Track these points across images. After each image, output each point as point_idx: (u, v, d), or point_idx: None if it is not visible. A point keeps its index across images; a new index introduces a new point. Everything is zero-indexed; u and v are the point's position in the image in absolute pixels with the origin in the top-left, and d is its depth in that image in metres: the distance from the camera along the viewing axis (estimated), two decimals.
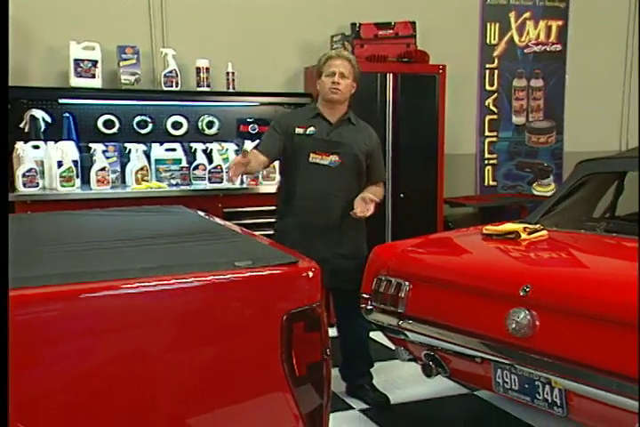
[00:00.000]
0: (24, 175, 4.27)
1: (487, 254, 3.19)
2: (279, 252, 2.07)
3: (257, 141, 3.79)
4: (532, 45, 6.21)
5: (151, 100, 4.89)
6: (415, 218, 5.16)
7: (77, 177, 4.42)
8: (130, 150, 4.71)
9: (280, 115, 3.73)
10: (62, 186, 4.32)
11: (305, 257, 1.96)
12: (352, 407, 3.59)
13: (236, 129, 5.14)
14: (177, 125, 4.98)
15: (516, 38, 6.14)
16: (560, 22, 6.26)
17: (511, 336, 2.61)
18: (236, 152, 4.85)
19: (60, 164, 4.34)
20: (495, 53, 6.10)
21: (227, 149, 4.86)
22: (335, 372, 3.56)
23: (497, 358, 2.71)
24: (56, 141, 4.46)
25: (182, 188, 4.66)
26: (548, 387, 2.58)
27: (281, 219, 3.66)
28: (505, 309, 2.63)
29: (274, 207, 3.81)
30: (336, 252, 3.51)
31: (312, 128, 3.53)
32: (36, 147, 4.43)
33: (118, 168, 4.68)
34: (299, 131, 3.54)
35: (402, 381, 3.87)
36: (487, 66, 6.09)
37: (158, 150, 4.77)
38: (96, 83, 4.58)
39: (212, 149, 4.85)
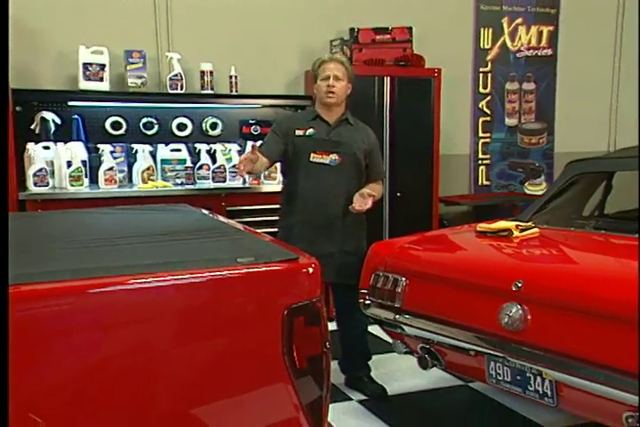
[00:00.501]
0: (35, 175, 4.27)
1: (481, 251, 3.18)
2: (280, 248, 2.07)
3: (259, 142, 3.80)
4: (524, 50, 6.20)
5: (157, 103, 4.89)
6: (411, 216, 5.16)
7: (86, 177, 4.42)
8: (136, 151, 4.71)
9: (280, 118, 3.73)
10: (71, 185, 4.33)
11: (305, 254, 1.95)
12: (351, 399, 3.59)
13: (238, 130, 5.14)
14: (182, 127, 4.98)
15: (508, 43, 6.14)
16: (551, 28, 6.26)
17: (504, 330, 2.61)
18: (239, 153, 4.86)
19: (69, 164, 4.35)
20: (488, 57, 6.09)
21: (230, 150, 4.86)
22: (334, 365, 3.56)
23: (490, 351, 2.71)
24: (65, 142, 4.47)
25: (187, 187, 4.65)
26: (538, 378, 2.58)
27: (285, 217, 3.66)
28: (498, 303, 2.63)
29: (275, 206, 3.81)
30: (341, 248, 3.52)
31: (311, 129, 3.53)
32: (47, 147, 4.43)
33: (125, 168, 4.68)
34: (299, 133, 3.54)
35: (399, 373, 3.87)
36: (481, 69, 6.08)
37: (164, 151, 4.77)
38: (104, 86, 4.57)
39: (215, 150, 4.85)
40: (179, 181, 4.70)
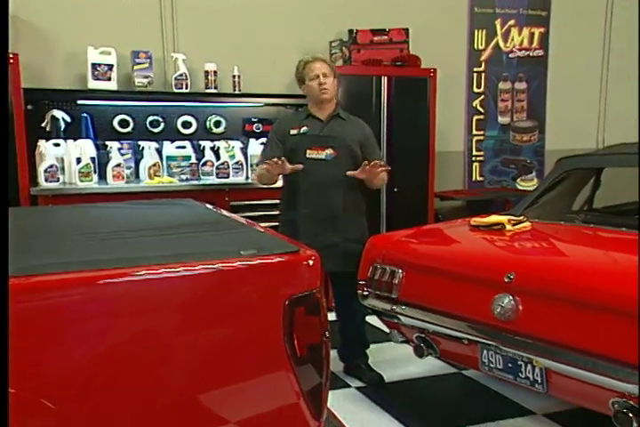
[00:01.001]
0: (46, 171, 4.27)
1: (474, 244, 3.18)
2: (282, 241, 2.07)
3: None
4: (517, 51, 6.19)
5: (163, 102, 4.89)
6: (408, 210, 5.16)
7: (95, 173, 4.42)
8: (143, 148, 4.71)
9: (276, 123, 3.74)
10: (81, 181, 4.33)
11: (306, 246, 1.95)
12: (349, 385, 3.60)
13: (241, 128, 5.14)
14: (187, 125, 4.98)
15: (501, 44, 6.13)
16: (542, 29, 6.25)
17: (496, 320, 2.61)
18: (242, 149, 4.86)
19: (78, 160, 4.35)
20: (482, 58, 6.08)
21: (233, 147, 4.85)
22: (334, 353, 3.56)
23: (483, 340, 2.71)
24: (75, 140, 4.47)
25: (191, 182, 4.66)
26: (529, 366, 2.59)
27: (286, 212, 3.66)
28: (490, 294, 2.63)
29: (276, 201, 3.81)
30: (344, 236, 3.52)
31: (305, 127, 3.55)
32: (57, 145, 4.43)
33: (132, 164, 4.68)
34: (293, 132, 3.55)
35: (395, 361, 3.87)
36: (475, 69, 6.08)
37: (169, 148, 4.76)
38: (112, 85, 4.57)
39: (219, 147, 4.85)
40: (184, 176, 4.70)
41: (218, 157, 4.78)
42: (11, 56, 4.05)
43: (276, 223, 3.71)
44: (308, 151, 3.50)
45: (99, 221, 2.56)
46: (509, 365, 2.67)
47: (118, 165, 4.47)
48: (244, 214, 3.50)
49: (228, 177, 4.75)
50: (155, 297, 1.67)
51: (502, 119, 6.23)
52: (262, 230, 2.33)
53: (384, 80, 5.05)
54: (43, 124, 4.55)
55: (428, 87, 5.19)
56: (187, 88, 4.79)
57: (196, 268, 1.72)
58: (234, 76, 4.96)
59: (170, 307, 1.69)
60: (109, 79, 4.55)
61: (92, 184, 4.37)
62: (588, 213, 3.63)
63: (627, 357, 2.22)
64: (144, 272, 1.66)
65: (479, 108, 6.13)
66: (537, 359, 2.53)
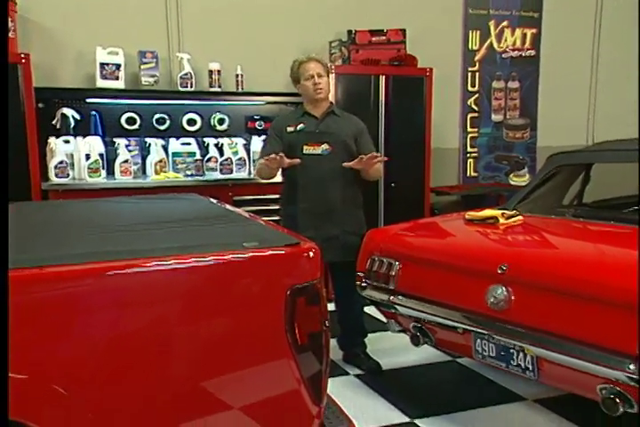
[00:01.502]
0: (56, 167, 4.27)
1: (469, 237, 3.19)
2: (283, 234, 2.07)
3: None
4: (510, 51, 6.18)
5: (168, 100, 4.88)
6: (405, 205, 5.15)
7: (103, 168, 4.42)
8: (150, 144, 4.71)
9: (274, 121, 3.75)
10: (90, 176, 4.33)
11: (306, 239, 1.96)
12: (348, 373, 3.61)
13: (244, 125, 5.13)
14: (191, 122, 4.97)
15: (495, 44, 6.12)
16: (534, 30, 6.23)
17: (489, 310, 2.62)
18: (245, 146, 4.86)
19: (87, 156, 4.35)
20: (476, 58, 6.07)
21: (236, 144, 4.85)
22: (333, 342, 3.57)
23: (477, 329, 2.72)
24: (84, 137, 4.47)
25: (196, 178, 4.66)
26: (521, 354, 2.60)
27: (287, 207, 3.66)
28: (484, 285, 2.64)
29: (277, 196, 3.81)
30: (343, 229, 3.52)
31: (301, 125, 3.55)
32: (67, 141, 4.43)
33: (139, 160, 4.68)
34: (290, 129, 3.56)
35: (392, 349, 3.88)
36: (469, 69, 6.06)
37: (175, 144, 4.76)
38: (119, 84, 4.56)
39: (222, 144, 4.84)
40: (189, 172, 4.70)
41: (221, 154, 4.78)
42: (22, 56, 4.05)
43: (278, 217, 3.71)
44: (304, 147, 3.51)
45: (107, 214, 2.56)
46: (502, 353, 2.67)
47: (126, 161, 4.47)
48: (247, 208, 3.51)
49: (231, 173, 4.75)
50: (162, 287, 1.67)
51: (496, 117, 6.22)
52: (264, 224, 2.33)
53: (382, 79, 5.04)
54: (53, 122, 4.55)
55: (425, 86, 5.17)
56: (191, 87, 4.79)
57: (201, 259, 1.72)
58: (237, 76, 4.95)
59: (176, 297, 1.69)
60: (117, 78, 4.55)
61: (101, 179, 4.37)
62: (578, 207, 3.63)
63: (614, 345, 2.23)
64: (151, 264, 1.66)
65: (473, 106, 6.12)
66: (528, 348, 2.54)
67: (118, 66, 4.55)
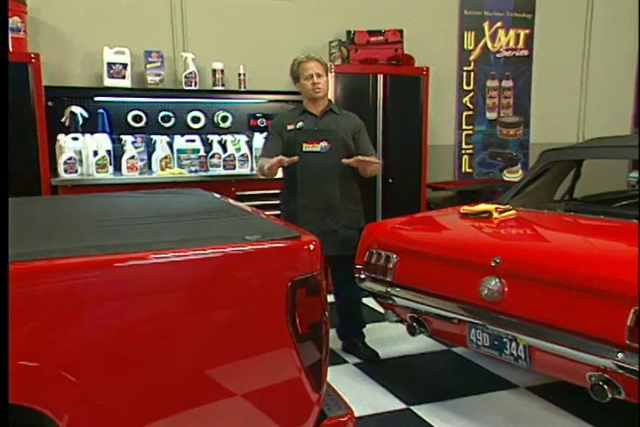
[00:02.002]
0: (65, 163, 4.26)
1: (463, 231, 3.19)
2: (284, 227, 2.07)
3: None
4: (503, 51, 6.16)
5: (173, 98, 4.87)
6: (402, 200, 5.16)
7: (110, 164, 4.41)
8: (155, 141, 4.70)
9: (274, 120, 3.73)
10: (97, 172, 4.32)
11: (307, 232, 1.96)
12: (347, 362, 3.61)
13: (246, 123, 5.13)
14: (196, 120, 4.97)
15: (489, 44, 6.10)
16: (527, 31, 6.22)
17: (483, 301, 2.62)
18: (247, 143, 4.85)
19: (95, 153, 4.34)
20: (471, 58, 6.05)
21: (239, 141, 4.84)
22: (333, 332, 3.57)
23: (471, 320, 2.72)
24: (92, 134, 4.46)
25: (200, 173, 4.65)
26: (514, 343, 2.60)
27: (287, 203, 3.65)
28: (478, 277, 2.64)
29: (279, 191, 3.81)
30: (342, 224, 3.52)
31: (301, 123, 3.54)
32: (75, 138, 4.42)
33: (145, 157, 4.67)
34: (290, 127, 3.55)
35: (390, 339, 3.89)
36: (464, 68, 6.05)
37: (180, 141, 4.75)
38: (126, 83, 4.56)
39: (226, 141, 4.84)
40: (193, 168, 4.69)
41: (225, 150, 4.78)
42: (32, 56, 4.04)
43: (279, 212, 3.71)
44: (304, 145, 3.50)
45: (114, 209, 2.56)
46: (495, 342, 2.68)
47: (132, 158, 4.46)
48: (250, 203, 3.51)
49: (234, 169, 4.74)
50: (166, 279, 1.67)
51: (490, 115, 6.21)
52: (266, 218, 2.33)
53: (380, 78, 5.04)
54: (62, 120, 4.55)
55: (421, 85, 5.17)
56: (196, 85, 4.78)
57: (205, 252, 1.72)
58: (239, 75, 4.94)
59: (181, 287, 1.69)
60: (124, 77, 4.55)
61: (108, 175, 4.37)
62: (569, 202, 3.63)
63: (603, 334, 2.24)
64: (157, 256, 1.66)
65: (469, 104, 6.11)
66: (521, 337, 2.54)
67: (125, 65, 4.54)
